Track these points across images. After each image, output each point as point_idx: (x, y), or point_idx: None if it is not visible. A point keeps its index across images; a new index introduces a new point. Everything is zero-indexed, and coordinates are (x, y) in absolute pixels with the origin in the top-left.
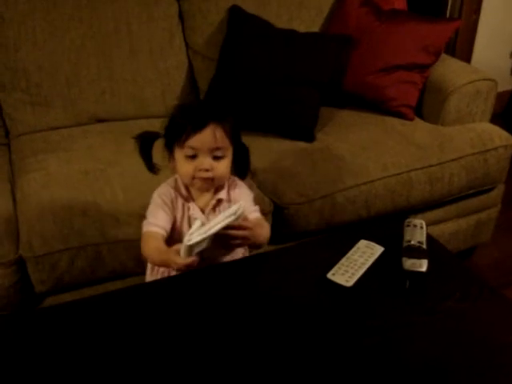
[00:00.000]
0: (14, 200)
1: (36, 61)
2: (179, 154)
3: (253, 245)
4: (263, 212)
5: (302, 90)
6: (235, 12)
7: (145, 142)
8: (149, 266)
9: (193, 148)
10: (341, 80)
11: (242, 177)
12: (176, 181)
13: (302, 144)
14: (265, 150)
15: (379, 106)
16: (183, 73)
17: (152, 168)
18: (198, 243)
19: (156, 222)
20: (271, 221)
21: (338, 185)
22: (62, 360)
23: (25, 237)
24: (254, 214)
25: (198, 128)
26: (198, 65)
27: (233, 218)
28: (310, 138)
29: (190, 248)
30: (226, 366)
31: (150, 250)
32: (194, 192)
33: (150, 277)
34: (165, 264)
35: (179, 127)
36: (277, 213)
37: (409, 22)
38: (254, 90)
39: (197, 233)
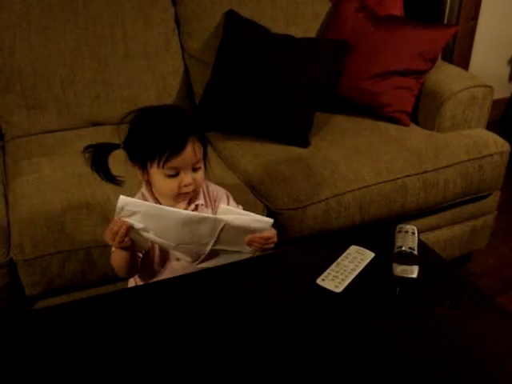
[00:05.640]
0: (7, 203)
1: (31, 64)
2: (158, 174)
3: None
4: None
5: (298, 95)
6: (231, 17)
7: (99, 154)
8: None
9: (175, 168)
10: (336, 85)
11: None
12: (143, 195)
13: (296, 149)
14: (259, 154)
15: (374, 111)
16: (179, 77)
17: (112, 179)
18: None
19: None
20: None
21: (332, 190)
22: (53, 362)
23: (16, 240)
24: None
25: (179, 150)
26: (194, 69)
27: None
28: (304, 143)
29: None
30: (216, 372)
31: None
32: (165, 203)
33: None
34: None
35: (155, 147)
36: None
37: (405, 27)
38: (250, 95)
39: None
